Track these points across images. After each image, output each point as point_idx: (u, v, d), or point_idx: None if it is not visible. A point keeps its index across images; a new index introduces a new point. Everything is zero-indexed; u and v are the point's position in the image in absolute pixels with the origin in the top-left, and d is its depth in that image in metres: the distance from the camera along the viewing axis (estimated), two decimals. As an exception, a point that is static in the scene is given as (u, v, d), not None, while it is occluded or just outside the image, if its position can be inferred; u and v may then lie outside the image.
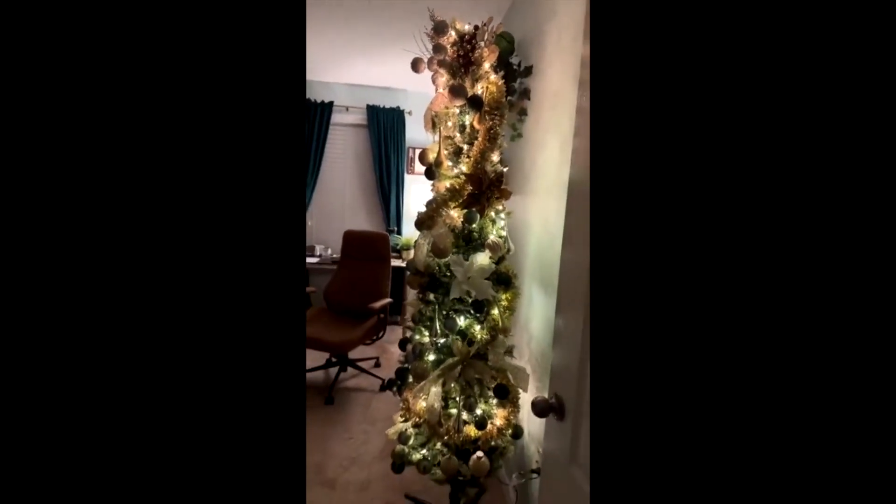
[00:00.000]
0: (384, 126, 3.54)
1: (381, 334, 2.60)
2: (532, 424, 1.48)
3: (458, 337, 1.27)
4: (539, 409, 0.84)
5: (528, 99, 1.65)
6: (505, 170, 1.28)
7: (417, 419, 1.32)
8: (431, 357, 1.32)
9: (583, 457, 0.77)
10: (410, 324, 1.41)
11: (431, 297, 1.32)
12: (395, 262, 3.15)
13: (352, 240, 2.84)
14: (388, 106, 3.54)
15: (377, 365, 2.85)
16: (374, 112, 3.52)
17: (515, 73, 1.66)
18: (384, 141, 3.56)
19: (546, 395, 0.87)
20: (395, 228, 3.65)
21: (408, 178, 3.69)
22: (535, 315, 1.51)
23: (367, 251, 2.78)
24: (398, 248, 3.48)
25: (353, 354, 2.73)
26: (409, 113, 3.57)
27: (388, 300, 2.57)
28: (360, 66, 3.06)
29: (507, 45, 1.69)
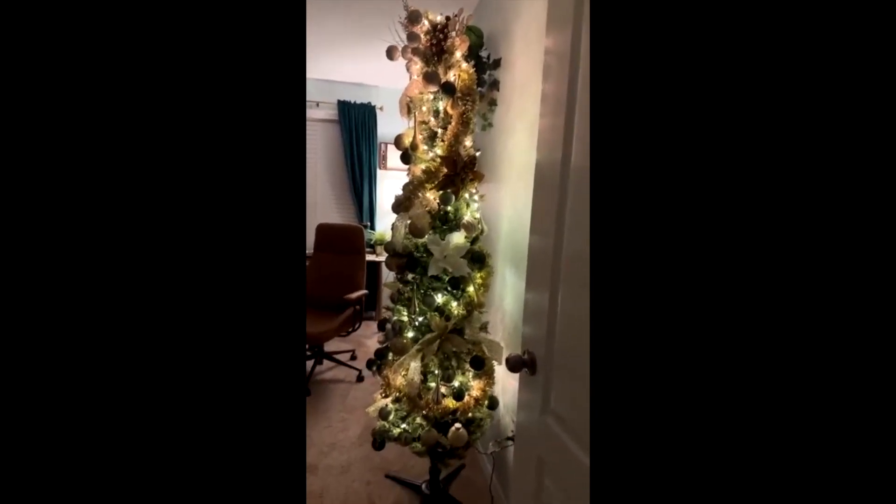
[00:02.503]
0: (356, 121, 3.55)
1: (356, 326, 2.62)
2: (507, 396, 1.56)
3: (435, 313, 1.33)
4: (513, 363, 0.91)
5: (498, 90, 1.73)
6: (478, 153, 1.35)
7: (398, 394, 1.37)
8: (410, 334, 1.37)
9: (553, 405, 0.85)
10: (390, 304, 1.46)
11: (410, 276, 1.37)
12: (370, 257, 3.17)
13: (325, 233, 2.84)
14: (359, 102, 3.56)
15: (353, 357, 2.87)
16: (345, 107, 3.52)
17: (485, 66, 1.74)
18: (356, 136, 3.56)
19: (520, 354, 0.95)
20: (369, 223, 3.67)
21: (380, 173, 3.71)
22: (508, 293, 1.59)
23: (341, 244, 2.79)
24: (372, 242, 3.50)
25: (328, 347, 2.73)
26: (381, 108, 3.59)
27: (364, 291, 2.59)
28: (330, 61, 3.07)
29: (476, 39, 1.77)
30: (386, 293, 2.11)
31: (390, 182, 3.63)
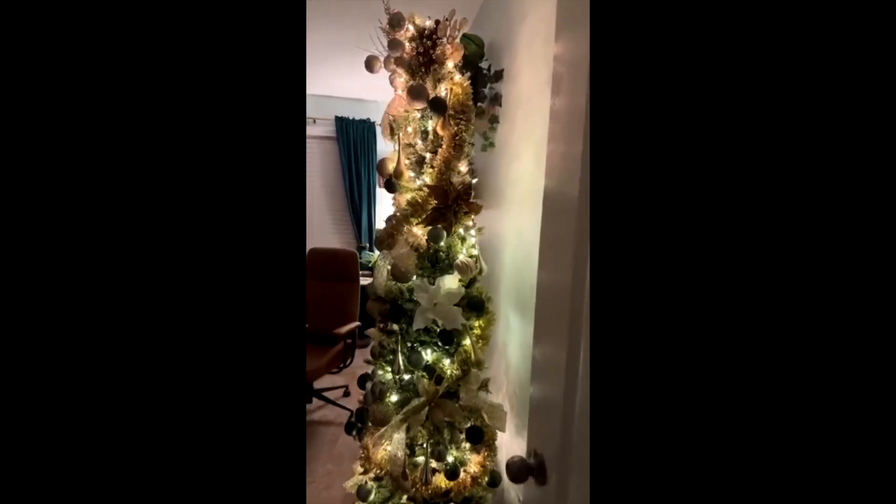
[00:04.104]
0: (354, 138, 3.39)
1: (348, 362, 2.39)
2: (512, 467, 1.32)
3: (424, 374, 1.10)
4: (515, 471, 0.68)
5: (500, 105, 1.53)
6: (474, 181, 1.13)
7: (379, 471, 1.14)
8: (394, 398, 1.14)
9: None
10: (370, 358, 1.24)
11: (394, 327, 1.15)
12: (367, 281, 2.97)
13: (317, 259, 2.64)
14: (357, 118, 3.40)
15: (346, 394, 2.64)
16: (342, 124, 3.37)
17: (486, 78, 1.54)
18: (354, 154, 3.41)
19: (524, 453, 0.72)
20: (367, 245, 3.48)
21: (380, 191, 3.55)
22: (513, 340, 1.36)
23: (333, 271, 2.58)
24: (370, 265, 3.30)
25: (318, 383, 2.51)
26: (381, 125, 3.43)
27: (356, 324, 2.37)
28: (326, 76, 2.92)
29: (476, 49, 1.58)
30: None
31: (390, 200, 3.45)
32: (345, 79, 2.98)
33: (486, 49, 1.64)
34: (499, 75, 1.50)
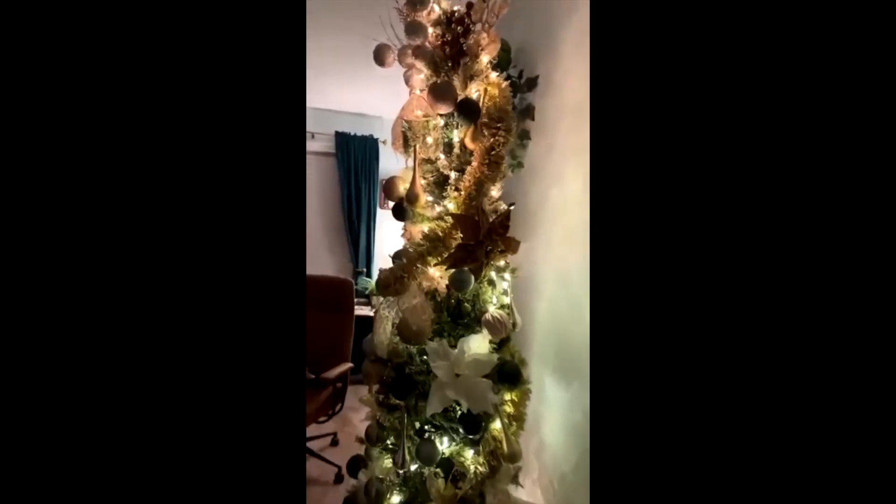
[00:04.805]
0: (355, 155, 3.16)
1: (338, 409, 2.07)
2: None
3: (437, 472, 0.80)
4: None
5: (532, 119, 1.28)
6: (511, 207, 0.87)
7: None
8: (395, 499, 0.84)
9: None
10: (363, 439, 0.93)
11: (398, 401, 0.85)
12: (363, 311, 2.67)
13: (307, 287, 2.35)
14: (359, 133, 3.18)
15: (334, 443, 2.30)
16: (343, 140, 3.14)
17: (515, 87, 1.30)
18: (355, 172, 3.18)
19: None
20: (365, 270, 3.20)
21: (380, 213, 3.31)
22: (551, 413, 1.06)
23: (324, 301, 2.29)
24: (367, 292, 3.01)
25: (302, 432, 2.17)
26: (384, 142, 3.22)
27: (348, 366, 2.06)
28: (326, 88, 2.72)
29: (502, 55, 1.34)
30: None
31: (392, 223, 3.18)
32: (347, 92, 2.78)
33: (514, 54, 1.40)
34: (532, 83, 1.26)
